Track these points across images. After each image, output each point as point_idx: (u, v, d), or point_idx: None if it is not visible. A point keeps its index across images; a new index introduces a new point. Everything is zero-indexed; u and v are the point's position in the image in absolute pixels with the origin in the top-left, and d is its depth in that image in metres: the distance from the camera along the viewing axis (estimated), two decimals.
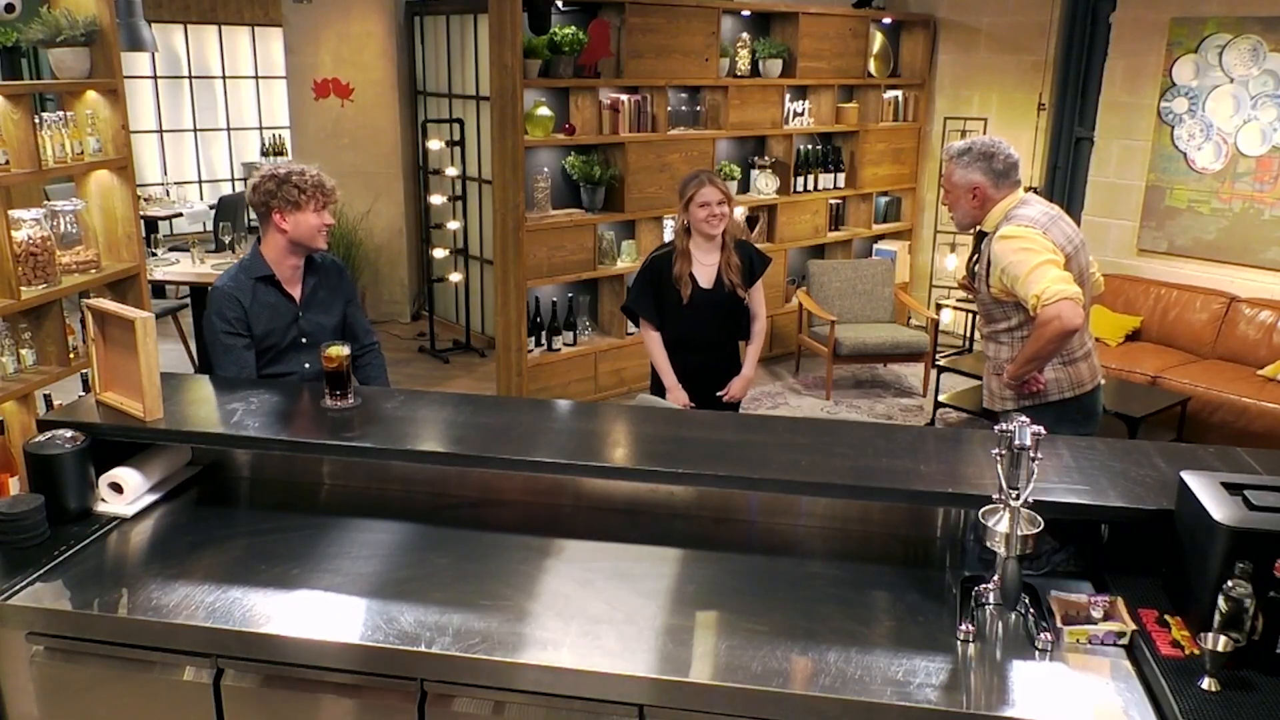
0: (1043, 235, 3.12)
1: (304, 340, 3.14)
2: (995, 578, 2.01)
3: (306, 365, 3.15)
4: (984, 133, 7.49)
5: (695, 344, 3.87)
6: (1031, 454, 1.95)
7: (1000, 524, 1.96)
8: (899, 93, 7.74)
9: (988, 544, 1.98)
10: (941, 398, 5.99)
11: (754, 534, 2.44)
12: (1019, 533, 1.94)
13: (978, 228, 3.39)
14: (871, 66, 7.54)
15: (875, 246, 7.92)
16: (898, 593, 2.14)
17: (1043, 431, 1.97)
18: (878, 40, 7.60)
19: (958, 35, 7.60)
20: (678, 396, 3.82)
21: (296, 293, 3.15)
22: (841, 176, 7.51)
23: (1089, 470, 2.32)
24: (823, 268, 7.03)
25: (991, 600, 2.04)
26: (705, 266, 3.82)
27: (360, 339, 3.32)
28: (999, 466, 1.98)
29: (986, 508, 2.02)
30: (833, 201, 7.58)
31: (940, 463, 2.37)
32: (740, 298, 3.86)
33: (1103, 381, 3.40)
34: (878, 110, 7.57)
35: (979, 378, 5.97)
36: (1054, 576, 2.21)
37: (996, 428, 2.00)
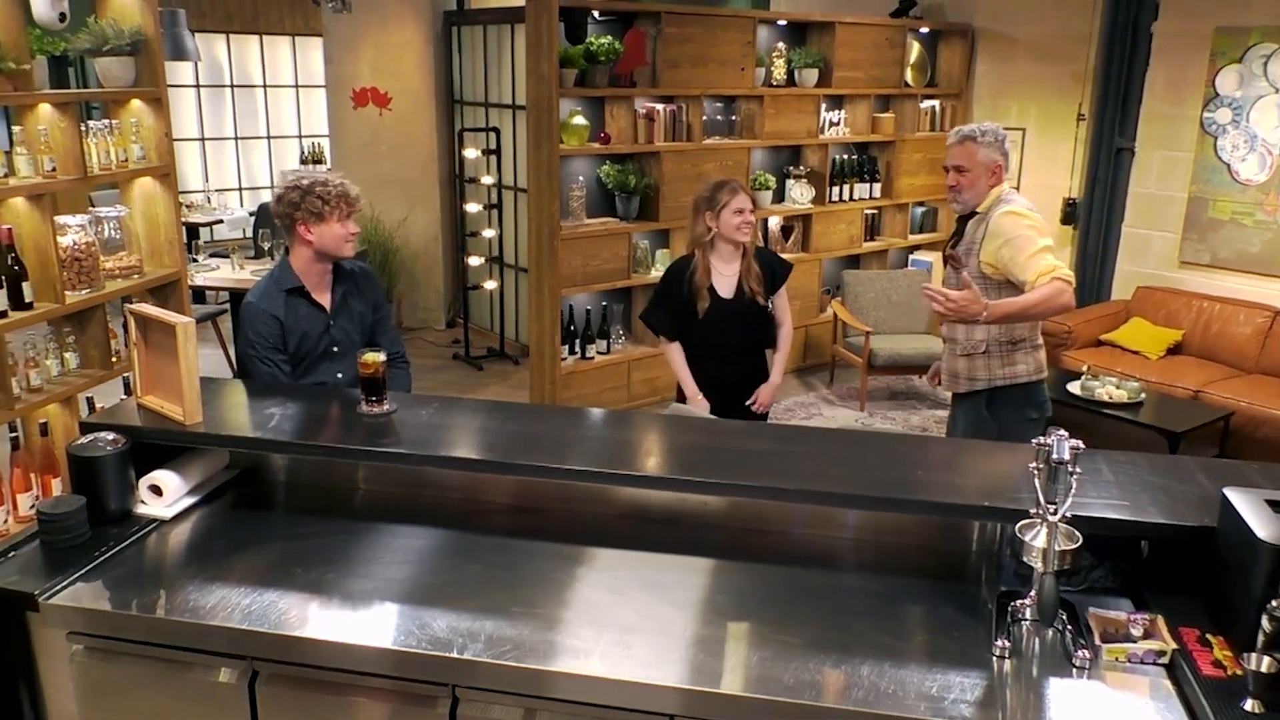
0: (1038, 212, 3.40)
1: (335, 349, 3.15)
2: (1032, 593, 1.99)
3: (339, 375, 3.15)
4: (1022, 144, 7.42)
5: (718, 354, 3.84)
6: (1070, 468, 1.92)
7: (1037, 539, 1.93)
8: (936, 103, 7.69)
9: (1024, 559, 1.96)
10: None
11: (787, 545, 2.42)
12: (1056, 548, 1.92)
13: (973, 209, 3.52)
14: (908, 76, 7.50)
15: (911, 257, 7.86)
16: (932, 607, 2.12)
17: (1081, 446, 1.95)
18: (915, 50, 7.56)
19: (996, 45, 7.54)
20: (699, 405, 3.80)
21: (326, 301, 3.17)
22: (877, 186, 7.47)
23: (1128, 485, 2.28)
24: (857, 278, 6.99)
25: (1028, 616, 2.01)
26: (725, 277, 3.80)
27: (386, 349, 3.32)
28: (1036, 480, 1.96)
29: (1023, 522, 1.99)
30: (868, 211, 7.54)
31: (976, 476, 2.34)
32: (762, 306, 3.83)
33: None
34: (914, 120, 7.52)
35: None
36: (1092, 593, 2.17)
37: (1034, 441, 1.98)
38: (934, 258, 7.75)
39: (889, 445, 2.67)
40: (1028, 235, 3.29)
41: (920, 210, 7.89)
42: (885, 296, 6.87)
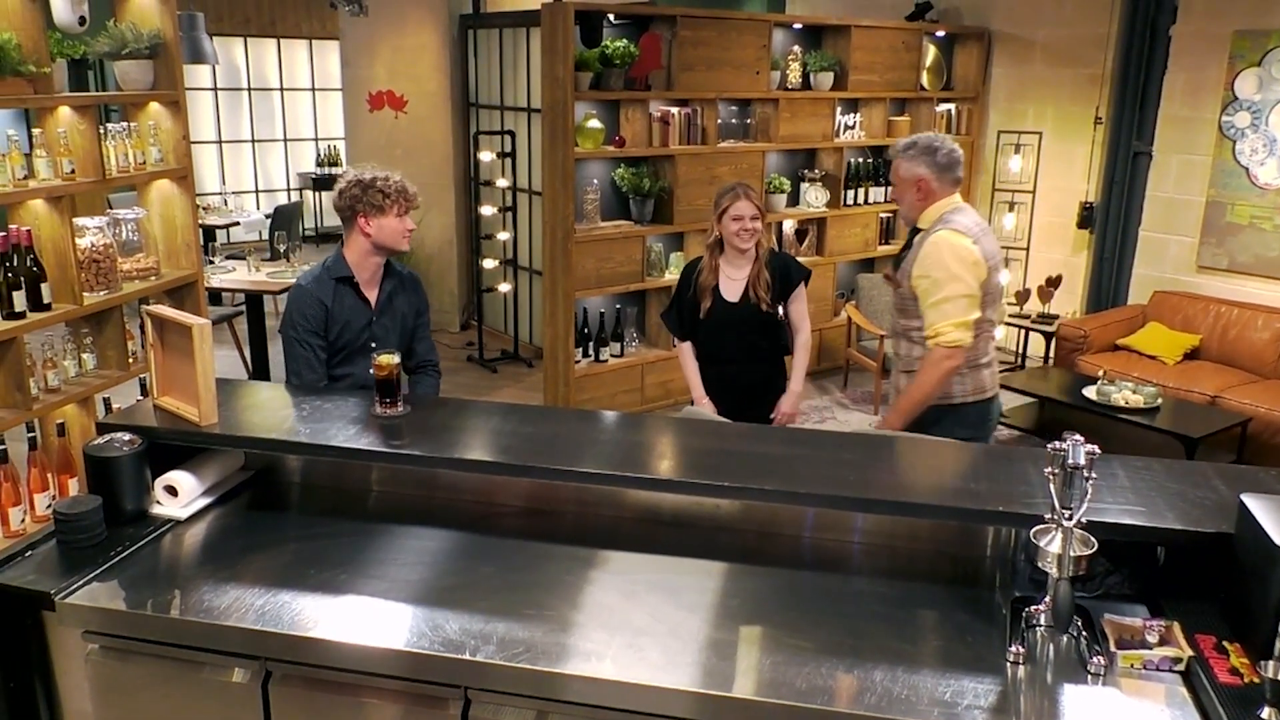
0: (973, 246, 3.18)
1: (373, 345, 3.18)
2: (1047, 599, 1.97)
3: (371, 371, 3.18)
4: (1039, 148, 7.40)
5: (721, 357, 3.83)
6: (1085, 473, 1.91)
7: (1052, 544, 1.92)
8: (952, 106, 7.67)
9: (1039, 564, 1.95)
10: None
11: (800, 549, 2.41)
12: (1072, 553, 1.90)
13: (915, 225, 3.40)
14: (924, 80, 7.48)
15: None
16: (946, 612, 2.11)
17: (1097, 451, 1.93)
18: (931, 53, 7.53)
19: (1013, 48, 7.52)
20: (704, 407, 3.80)
21: (373, 297, 3.22)
22: (892, 190, 7.43)
23: (1145, 491, 2.26)
24: (872, 282, 6.97)
25: (1043, 622, 1.99)
26: (734, 281, 3.77)
27: (419, 355, 3.35)
28: (1051, 485, 1.95)
29: (1038, 527, 1.98)
30: (883, 215, 7.52)
31: (991, 480, 2.33)
32: (768, 313, 3.75)
33: (997, 392, 3.47)
34: (930, 123, 7.50)
35: (1032, 394, 5.90)
36: (1107, 599, 2.16)
37: (1050, 446, 1.97)
38: None
39: (903, 449, 2.66)
40: (940, 279, 3.17)
41: None
42: None
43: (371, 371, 2.69)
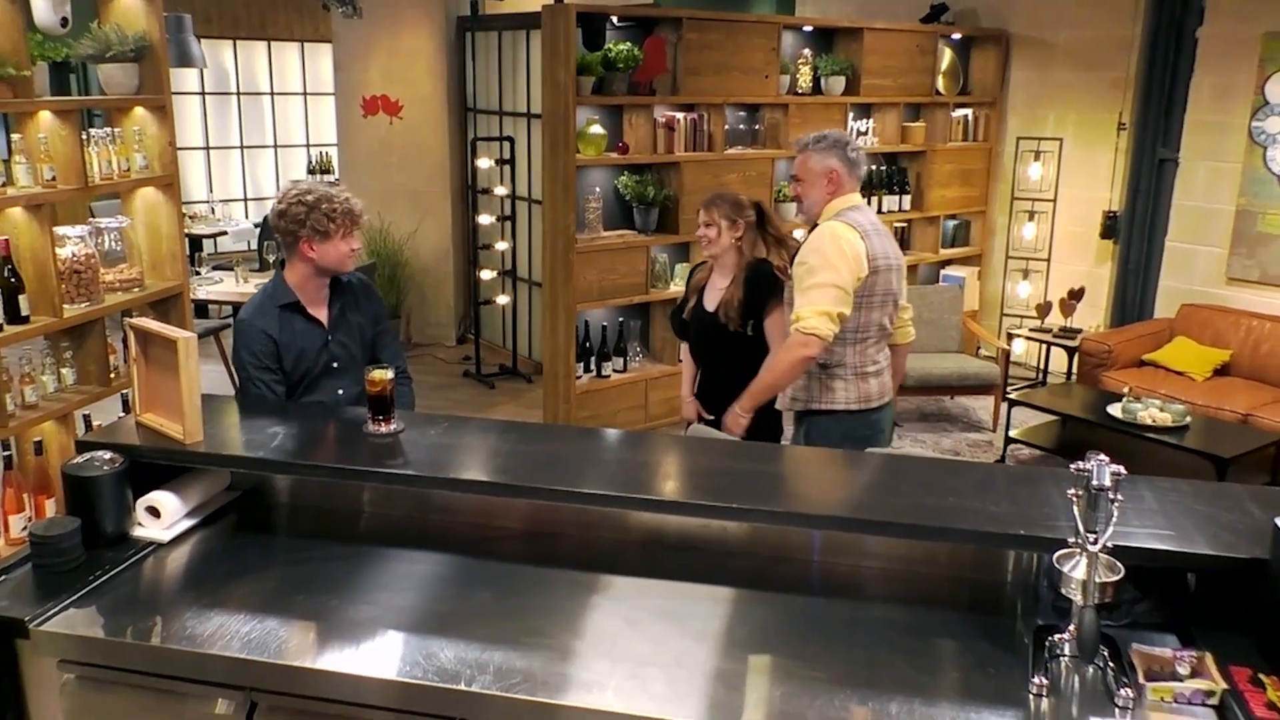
0: (859, 241, 3.29)
1: (335, 365, 3.16)
2: (1071, 627, 1.96)
3: (340, 392, 3.16)
4: (1060, 154, 7.40)
5: (701, 361, 3.99)
6: (1111, 495, 1.90)
7: (1077, 570, 1.91)
8: (969, 111, 7.68)
9: (1063, 591, 1.94)
10: (1013, 433, 5.90)
11: (812, 574, 2.40)
12: (1097, 579, 1.89)
13: (816, 221, 3.49)
14: (940, 84, 7.50)
15: (942, 272, 7.83)
16: (965, 641, 2.10)
17: (1123, 471, 1.92)
18: (946, 56, 7.55)
19: (1032, 51, 7.54)
20: (687, 408, 3.98)
21: (323, 316, 3.17)
22: (907, 199, 7.46)
23: (1174, 514, 2.25)
24: None
25: (1067, 652, 1.98)
26: (716, 289, 3.85)
27: (387, 363, 3.33)
28: (1075, 508, 1.94)
29: (1062, 552, 1.97)
30: (897, 224, 7.53)
31: (1011, 502, 2.32)
32: (735, 332, 3.72)
33: (887, 401, 3.55)
34: (946, 130, 7.52)
35: (1054, 412, 5.88)
36: (1135, 628, 2.14)
37: (1073, 466, 1.96)
38: (966, 273, 7.73)
39: (919, 469, 2.65)
40: (815, 265, 3.27)
41: (952, 223, 7.87)
42: (915, 314, 6.78)
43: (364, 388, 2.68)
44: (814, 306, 3.24)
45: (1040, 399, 5.97)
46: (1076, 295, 6.95)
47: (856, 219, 3.37)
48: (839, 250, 3.27)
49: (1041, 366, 7.32)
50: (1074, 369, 6.68)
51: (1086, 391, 6.11)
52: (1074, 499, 1.94)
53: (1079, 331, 6.83)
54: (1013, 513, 2.26)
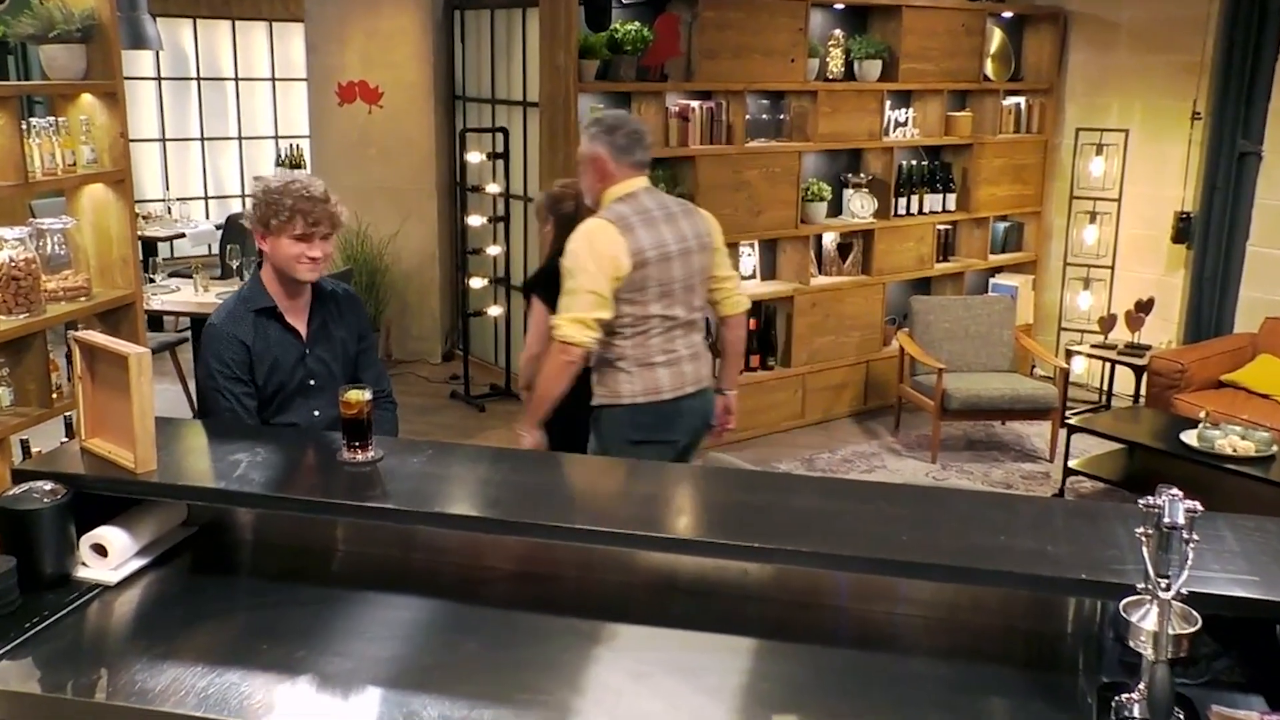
0: (620, 235, 3.41)
1: (312, 383, 3.17)
2: (1141, 686, 1.95)
3: (315, 413, 3.17)
4: (1125, 148, 7.41)
5: None
6: (1185, 534, 1.90)
7: (1147, 620, 1.90)
8: (1021, 99, 7.70)
9: (1131, 644, 1.93)
10: (1072, 463, 5.88)
11: (843, 622, 2.40)
12: (1170, 631, 1.88)
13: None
14: (988, 69, 7.52)
15: (992, 281, 7.84)
16: (1019, 700, 2.09)
17: (1199, 508, 1.92)
18: (996, 38, 7.58)
19: (1093, 32, 7.56)
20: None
21: (302, 326, 3.19)
22: (951, 198, 7.47)
23: (1258, 556, 2.24)
24: (928, 305, 6.97)
25: (1137, 713, 1.97)
26: None
27: (369, 385, 3.33)
28: (1145, 549, 1.93)
29: (1129, 600, 1.96)
30: (941, 227, 7.54)
31: (1071, 542, 2.31)
32: None
33: (690, 392, 3.64)
34: (995, 120, 7.53)
35: (1118, 439, 5.87)
36: (1215, 687, 2.13)
37: (1141, 501, 1.96)
38: (1019, 281, 7.74)
39: (966, 504, 2.65)
40: (568, 268, 3.43)
41: (1003, 226, 7.88)
42: (961, 327, 6.85)
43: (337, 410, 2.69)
44: (568, 314, 3.42)
45: (1104, 425, 5.95)
46: (1145, 307, 6.94)
47: (620, 211, 3.49)
48: (590, 251, 3.42)
49: (1105, 388, 7.30)
50: (1142, 391, 6.67)
51: (1156, 416, 6.10)
52: (1143, 539, 1.94)
53: (1148, 348, 6.82)
54: (1073, 554, 2.26)
